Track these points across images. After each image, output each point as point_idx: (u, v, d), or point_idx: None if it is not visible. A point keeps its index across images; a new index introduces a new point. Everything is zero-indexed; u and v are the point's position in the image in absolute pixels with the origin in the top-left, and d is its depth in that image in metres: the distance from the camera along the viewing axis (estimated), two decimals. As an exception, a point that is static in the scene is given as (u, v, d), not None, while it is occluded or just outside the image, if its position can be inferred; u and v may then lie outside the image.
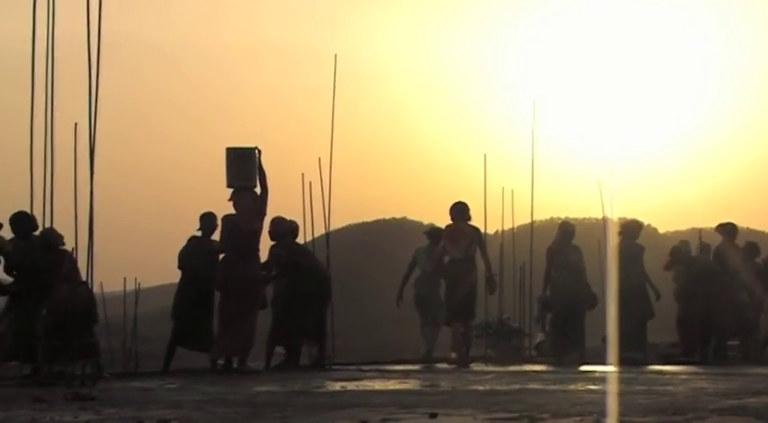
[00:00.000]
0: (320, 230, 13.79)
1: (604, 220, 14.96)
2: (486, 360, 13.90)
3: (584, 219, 30.44)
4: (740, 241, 14.92)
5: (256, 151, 11.48)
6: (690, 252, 14.93)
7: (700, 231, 15.88)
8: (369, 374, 10.93)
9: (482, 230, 13.93)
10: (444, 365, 13.12)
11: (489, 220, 15.07)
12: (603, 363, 12.20)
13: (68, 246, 10.58)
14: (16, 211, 10.90)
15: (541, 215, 22.95)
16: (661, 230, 35.63)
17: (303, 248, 12.90)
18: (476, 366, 12.93)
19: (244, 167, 11.43)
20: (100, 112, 10.12)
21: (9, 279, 10.81)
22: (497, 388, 8.61)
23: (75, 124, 10.25)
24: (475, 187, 16.19)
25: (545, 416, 5.88)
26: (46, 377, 9.67)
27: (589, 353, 13.53)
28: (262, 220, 11.62)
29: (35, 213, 10.66)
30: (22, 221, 10.81)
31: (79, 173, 10.13)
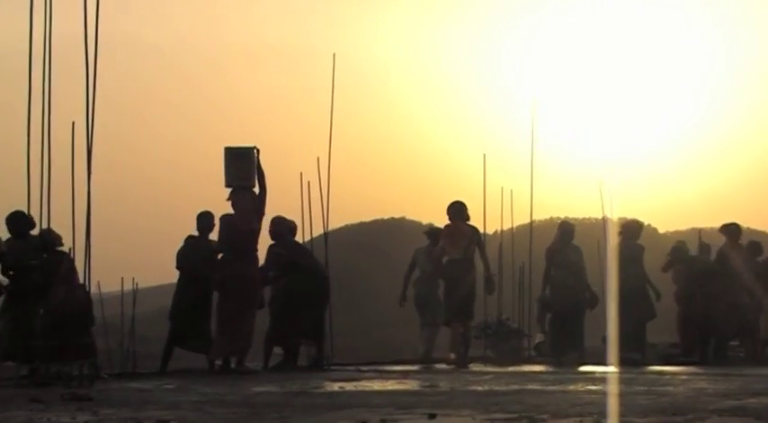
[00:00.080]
0: (319, 230, 13.79)
1: (604, 220, 14.91)
2: (485, 360, 13.86)
3: (583, 219, 30.49)
4: (743, 241, 14.88)
5: (255, 151, 11.46)
6: (688, 252, 14.90)
7: (699, 231, 15.85)
8: (367, 375, 10.90)
9: (481, 230, 13.92)
10: (443, 366, 13.09)
11: (488, 220, 15.05)
12: (603, 363, 12.18)
13: (66, 245, 10.55)
14: (13, 210, 10.88)
15: (541, 215, 22.99)
16: (661, 230, 35.72)
17: (302, 248, 12.87)
18: (475, 367, 12.90)
19: (242, 167, 11.41)
20: (97, 111, 10.08)
21: (5, 280, 10.80)
22: (496, 388, 8.59)
23: (73, 124, 10.19)
24: (474, 187, 16.14)
25: (544, 416, 5.86)
26: (43, 377, 9.63)
27: (589, 353, 13.51)
28: (260, 219, 11.60)
29: (32, 213, 10.61)
30: (18, 221, 10.79)
31: (76, 173, 10.08)
